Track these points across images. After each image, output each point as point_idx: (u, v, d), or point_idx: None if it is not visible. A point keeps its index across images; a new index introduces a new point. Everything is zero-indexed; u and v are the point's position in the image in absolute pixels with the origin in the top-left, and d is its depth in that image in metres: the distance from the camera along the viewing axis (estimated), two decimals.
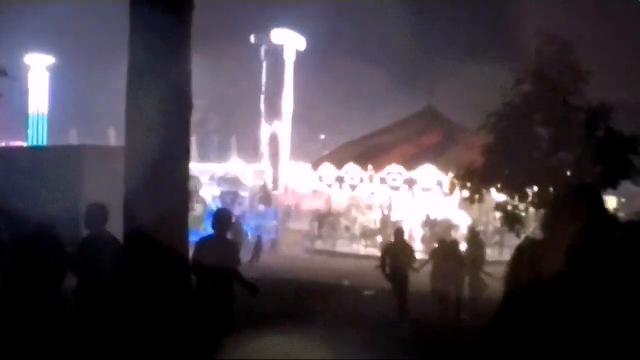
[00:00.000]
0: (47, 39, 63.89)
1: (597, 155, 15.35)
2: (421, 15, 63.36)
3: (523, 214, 16.69)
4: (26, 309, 7.64)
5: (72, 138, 57.71)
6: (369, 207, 39.98)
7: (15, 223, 9.01)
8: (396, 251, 15.19)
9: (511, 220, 15.96)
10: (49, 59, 67.33)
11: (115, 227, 8.78)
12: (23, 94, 64.91)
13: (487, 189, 16.43)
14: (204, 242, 9.72)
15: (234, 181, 45.79)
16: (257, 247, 30.19)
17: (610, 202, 41.86)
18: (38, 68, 66.89)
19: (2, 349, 7.49)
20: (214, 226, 9.77)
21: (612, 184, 16.21)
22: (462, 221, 36.71)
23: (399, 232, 16.22)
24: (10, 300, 7.80)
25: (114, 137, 51.80)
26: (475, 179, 16.18)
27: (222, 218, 10.02)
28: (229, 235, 10.52)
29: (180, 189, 9.11)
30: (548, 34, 15.79)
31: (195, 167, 47.12)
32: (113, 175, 9.73)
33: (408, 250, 15.90)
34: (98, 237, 8.72)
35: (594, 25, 55.48)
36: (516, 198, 16.07)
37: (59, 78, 67.29)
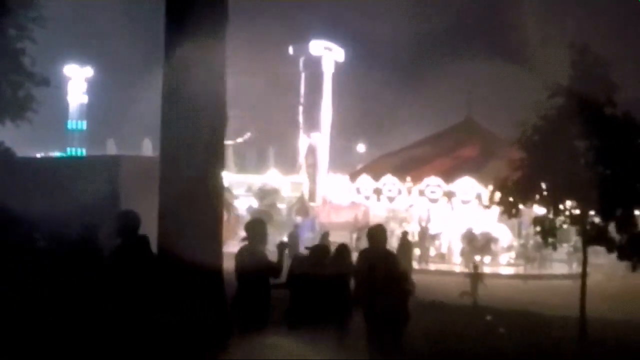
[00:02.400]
0: (87, 50, 64.82)
1: (635, 170, 15.09)
2: (460, 27, 63.07)
3: (565, 226, 16.52)
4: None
5: (110, 148, 58.35)
6: (407, 220, 39.78)
7: (54, 233, 9.09)
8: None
9: (547, 234, 15.78)
10: (87, 71, 68.41)
11: (153, 238, 8.81)
12: (62, 104, 65.93)
13: (524, 203, 16.24)
14: (241, 250, 9.98)
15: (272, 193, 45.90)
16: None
17: None
18: (77, 79, 67.98)
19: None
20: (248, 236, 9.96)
21: None
22: (501, 234, 36.39)
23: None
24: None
25: (150, 148, 52.25)
26: (511, 193, 16.00)
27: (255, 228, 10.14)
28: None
29: (214, 199, 9.11)
30: (579, 46, 15.60)
31: (232, 178, 47.59)
32: (149, 185, 9.76)
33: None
34: (130, 246, 8.71)
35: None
36: (551, 212, 15.89)
37: (98, 89, 68.25)
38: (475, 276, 21.69)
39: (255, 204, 44.12)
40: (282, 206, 45.94)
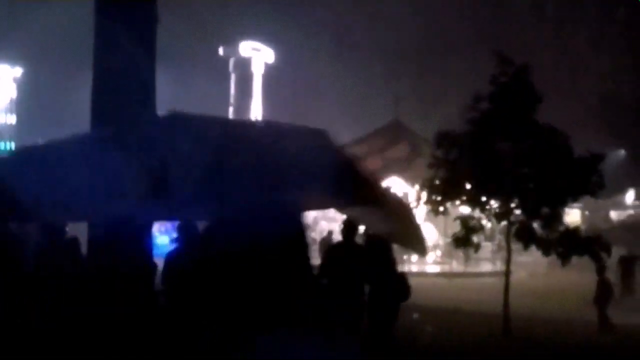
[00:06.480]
0: (16, 49, 63.43)
1: (558, 171, 15.60)
2: (388, 30, 63.76)
3: (489, 225, 16.94)
4: None
5: None
6: (335, 220, 39.97)
7: None
8: None
9: (468, 232, 16.16)
10: (17, 71, 67.00)
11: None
12: None
13: (450, 202, 16.62)
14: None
15: None
16: None
17: (574, 215, 42.43)
18: (6, 79, 66.55)
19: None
20: None
21: (573, 198, 16.60)
22: (428, 233, 36.90)
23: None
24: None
25: None
26: (437, 192, 16.37)
27: None
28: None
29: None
30: (504, 55, 16.09)
31: None
32: None
33: None
34: (59, 247, 8.69)
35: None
36: (477, 210, 16.32)
37: (28, 88, 66.88)
38: None
39: None
40: None
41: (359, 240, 10.74)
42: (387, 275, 10.21)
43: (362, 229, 10.87)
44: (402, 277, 10.57)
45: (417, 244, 11.59)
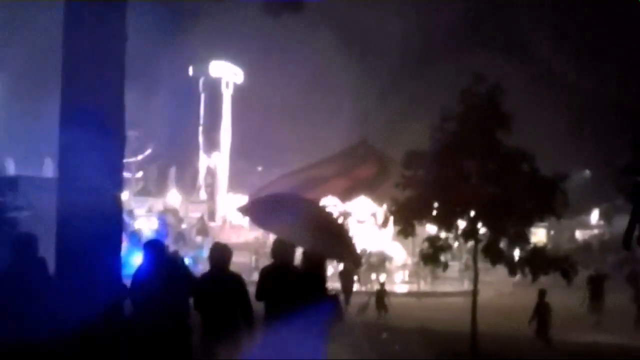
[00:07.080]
0: None
1: (524, 191, 15.85)
2: (358, 49, 64.13)
3: (456, 244, 17.10)
4: None
5: (10, 169, 56.61)
6: None
7: None
8: None
9: (435, 252, 16.31)
10: None
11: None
12: None
13: (419, 222, 16.76)
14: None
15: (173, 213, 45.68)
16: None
17: (540, 234, 42.89)
18: None
19: None
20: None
21: (539, 218, 16.90)
22: (396, 253, 37.13)
23: None
24: None
25: (52, 168, 51.01)
26: (405, 213, 16.51)
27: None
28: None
29: (114, 219, 9.20)
30: (476, 74, 16.29)
31: (133, 198, 47.02)
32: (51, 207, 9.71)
33: None
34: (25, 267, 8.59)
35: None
36: (444, 230, 16.51)
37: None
38: (382, 293, 22.59)
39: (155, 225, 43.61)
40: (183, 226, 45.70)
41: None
42: (318, 296, 9.99)
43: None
44: (334, 299, 10.50)
45: (346, 254, 11.52)
